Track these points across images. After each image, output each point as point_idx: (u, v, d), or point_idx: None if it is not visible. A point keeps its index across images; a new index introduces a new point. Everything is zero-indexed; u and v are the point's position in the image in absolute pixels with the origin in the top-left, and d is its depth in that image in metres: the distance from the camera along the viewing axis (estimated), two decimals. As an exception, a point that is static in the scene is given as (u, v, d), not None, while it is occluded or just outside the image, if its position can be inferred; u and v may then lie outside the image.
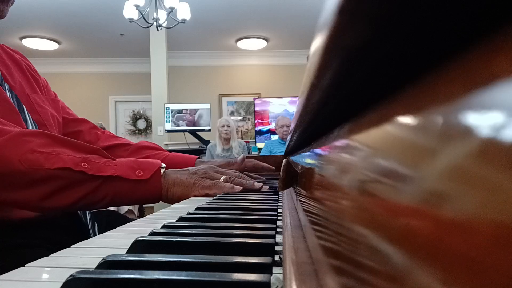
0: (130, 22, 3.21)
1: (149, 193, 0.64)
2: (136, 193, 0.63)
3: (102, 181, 0.60)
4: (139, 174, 0.63)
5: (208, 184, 0.68)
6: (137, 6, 3.13)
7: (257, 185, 0.72)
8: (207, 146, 3.38)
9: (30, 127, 0.69)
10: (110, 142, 0.92)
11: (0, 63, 0.71)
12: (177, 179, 0.67)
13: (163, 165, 0.67)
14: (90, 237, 0.69)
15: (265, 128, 4.08)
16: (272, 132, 3.88)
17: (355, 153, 0.16)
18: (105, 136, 0.93)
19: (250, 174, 0.92)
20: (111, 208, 2.48)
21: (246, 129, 5.24)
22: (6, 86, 0.68)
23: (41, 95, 0.78)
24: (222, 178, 0.71)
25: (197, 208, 0.50)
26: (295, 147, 0.60)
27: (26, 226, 0.62)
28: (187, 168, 0.72)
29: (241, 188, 0.70)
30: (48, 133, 0.60)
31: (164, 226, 0.37)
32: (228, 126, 3.19)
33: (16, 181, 0.55)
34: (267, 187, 0.74)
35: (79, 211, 0.73)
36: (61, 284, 0.21)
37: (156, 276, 0.21)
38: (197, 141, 3.79)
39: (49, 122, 0.75)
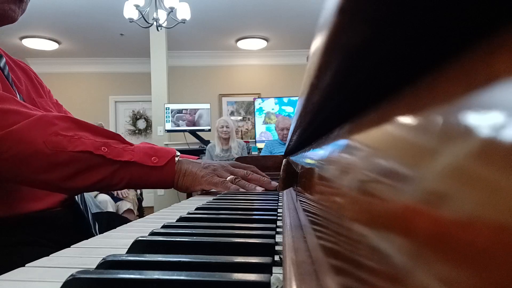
0: (130, 22, 3.21)
1: (162, 179, 0.67)
2: (150, 179, 0.66)
3: (119, 166, 0.62)
4: (155, 161, 0.65)
5: (215, 181, 0.71)
6: (137, 6, 3.13)
7: (259, 189, 0.75)
8: (207, 146, 3.37)
9: None
10: None
11: (8, 67, 0.72)
12: (188, 170, 0.70)
13: (178, 153, 0.70)
14: (93, 235, 0.70)
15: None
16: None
17: (355, 153, 0.16)
18: None
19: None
20: (110, 209, 2.47)
21: (246, 129, 5.24)
22: (15, 89, 0.70)
23: (46, 99, 0.81)
24: (228, 178, 0.73)
25: (197, 208, 0.50)
26: (295, 147, 0.60)
27: (27, 223, 0.63)
28: (200, 161, 0.75)
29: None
30: (70, 117, 0.62)
31: (164, 226, 0.37)
32: (227, 127, 3.18)
33: (40, 163, 0.57)
34: (261, 189, 0.75)
35: (81, 208, 0.73)
36: (61, 284, 0.21)
37: (156, 276, 0.21)
38: (197, 141, 3.79)
39: None
